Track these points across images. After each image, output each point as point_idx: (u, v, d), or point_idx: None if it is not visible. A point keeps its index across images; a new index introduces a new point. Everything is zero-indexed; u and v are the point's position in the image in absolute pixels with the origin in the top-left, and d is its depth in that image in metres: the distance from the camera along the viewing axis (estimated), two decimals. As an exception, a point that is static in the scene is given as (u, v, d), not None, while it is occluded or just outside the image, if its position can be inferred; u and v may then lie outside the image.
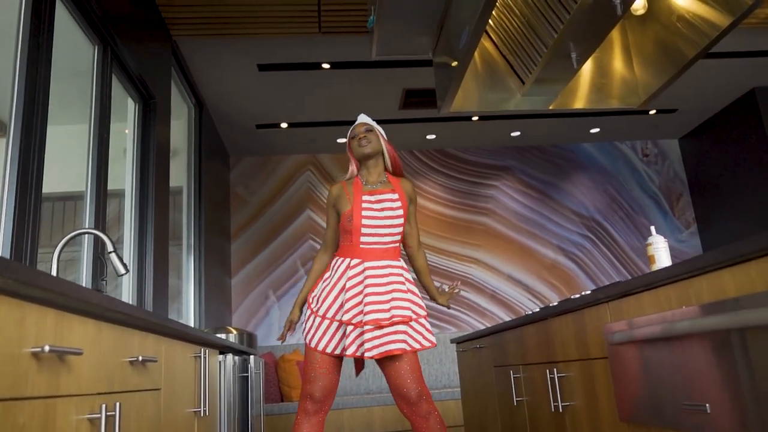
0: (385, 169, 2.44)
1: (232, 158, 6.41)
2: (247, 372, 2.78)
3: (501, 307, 6.30)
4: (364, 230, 2.23)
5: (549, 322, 2.04)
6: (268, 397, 5.04)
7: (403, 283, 2.23)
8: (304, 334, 2.31)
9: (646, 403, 1.37)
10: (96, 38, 2.93)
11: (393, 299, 2.16)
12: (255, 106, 5.31)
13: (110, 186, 3.42)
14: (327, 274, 2.34)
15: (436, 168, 6.65)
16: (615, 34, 3.30)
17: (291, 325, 2.45)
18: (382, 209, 2.26)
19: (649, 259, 1.82)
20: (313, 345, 2.28)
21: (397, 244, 2.32)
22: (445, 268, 6.33)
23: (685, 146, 6.96)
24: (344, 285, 2.24)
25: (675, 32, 3.04)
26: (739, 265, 1.07)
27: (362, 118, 2.48)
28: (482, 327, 6.20)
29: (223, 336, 3.70)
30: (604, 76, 3.26)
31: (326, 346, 2.24)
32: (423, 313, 2.25)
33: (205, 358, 2.03)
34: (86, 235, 2.75)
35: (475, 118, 5.94)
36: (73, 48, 2.92)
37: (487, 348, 2.89)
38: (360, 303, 2.17)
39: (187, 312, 4.58)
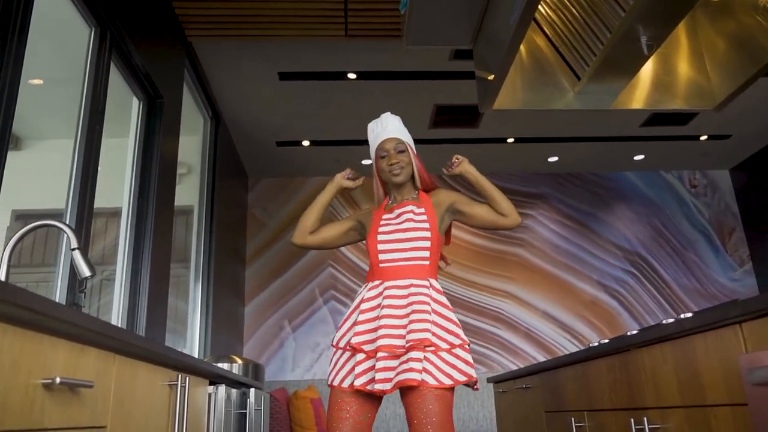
0: (415, 186, 2.10)
1: (250, 179, 6.06)
2: (246, 408, 2.32)
3: (535, 346, 5.76)
4: (381, 246, 1.94)
5: (631, 354, 1.55)
6: (276, 439, 4.53)
7: (425, 303, 1.82)
8: (328, 374, 1.92)
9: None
10: (93, 20, 2.60)
11: (411, 321, 1.78)
12: (275, 120, 4.97)
13: (113, 204, 3.06)
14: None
15: (467, 194, 6.19)
16: (681, 30, 2.89)
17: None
18: (403, 221, 1.96)
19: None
20: (329, 382, 1.89)
21: (426, 262, 1.92)
22: (474, 302, 5.83)
23: (736, 177, 6.42)
24: (358, 305, 1.91)
25: (753, 27, 2.62)
26: None
27: (392, 129, 2.11)
28: (514, 368, 5.63)
29: (225, 366, 3.25)
30: (669, 73, 2.82)
31: (342, 379, 1.83)
32: (457, 342, 1.80)
33: (184, 387, 1.58)
34: (63, 246, 2.35)
35: (510, 140, 5.53)
36: (69, 42, 2.60)
37: (535, 388, 2.39)
38: (373, 328, 1.82)
39: (192, 340, 4.15)
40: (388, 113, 2.18)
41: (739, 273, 6.19)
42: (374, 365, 1.75)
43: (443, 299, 1.88)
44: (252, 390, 2.44)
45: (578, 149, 5.81)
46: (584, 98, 2.72)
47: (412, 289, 1.85)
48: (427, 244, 1.93)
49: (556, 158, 6.01)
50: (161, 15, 3.38)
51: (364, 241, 2.06)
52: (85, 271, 1.61)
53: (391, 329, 1.78)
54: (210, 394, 1.99)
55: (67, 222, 2.39)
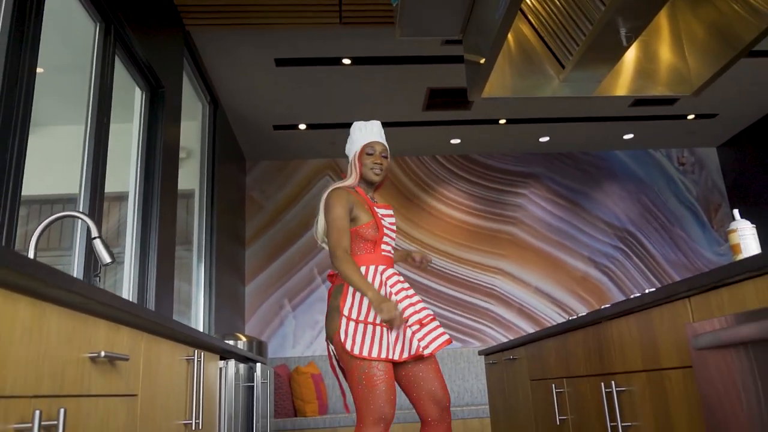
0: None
1: (248, 162, 6.18)
2: (253, 381, 2.49)
3: (527, 320, 5.95)
4: (385, 239, 2.26)
5: (604, 326, 1.72)
6: (280, 412, 4.74)
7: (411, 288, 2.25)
8: (350, 347, 2.01)
9: (749, 422, 1.06)
10: (98, 15, 2.71)
11: (417, 301, 2.18)
12: (272, 105, 5.08)
13: (114, 188, 3.19)
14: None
15: (460, 174, 6.35)
16: (662, 18, 3.01)
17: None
18: (392, 223, 2.34)
19: (733, 249, 1.51)
20: (366, 354, 2.00)
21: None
22: (468, 278, 6.01)
23: (723, 155, 6.58)
24: (393, 286, 2.18)
25: (730, 15, 2.74)
26: None
27: (380, 135, 2.41)
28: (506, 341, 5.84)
29: (231, 343, 3.42)
30: (651, 61, 2.95)
31: (380, 352, 2.02)
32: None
33: (200, 361, 1.75)
34: (78, 230, 2.51)
35: (502, 122, 5.65)
36: (81, 36, 2.70)
37: (522, 359, 2.57)
38: (413, 302, 2.16)
39: (197, 319, 4.32)
40: (378, 122, 2.46)
41: (724, 248, 6.37)
42: (402, 337, 2.05)
43: None
44: (258, 365, 2.61)
45: (569, 129, 5.95)
46: (569, 85, 2.85)
47: (400, 275, 2.26)
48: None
49: (547, 138, 6.14)
50: (160, 6, 3.48)
51: (363, 223, 2.22)
52: (106, 257, 1.77)
53: (412, 306, 2.13)
54: (221, 368, 2.16)
55: (81, 207, 2.54)
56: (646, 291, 1.45)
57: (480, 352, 3.28)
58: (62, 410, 0.88)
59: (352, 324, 2.04)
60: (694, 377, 1.25)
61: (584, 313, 1.82)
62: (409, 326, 2.06)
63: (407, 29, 2.80)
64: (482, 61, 2.71)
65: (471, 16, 2.80)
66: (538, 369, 2.35)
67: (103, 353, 1.06)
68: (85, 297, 0.99)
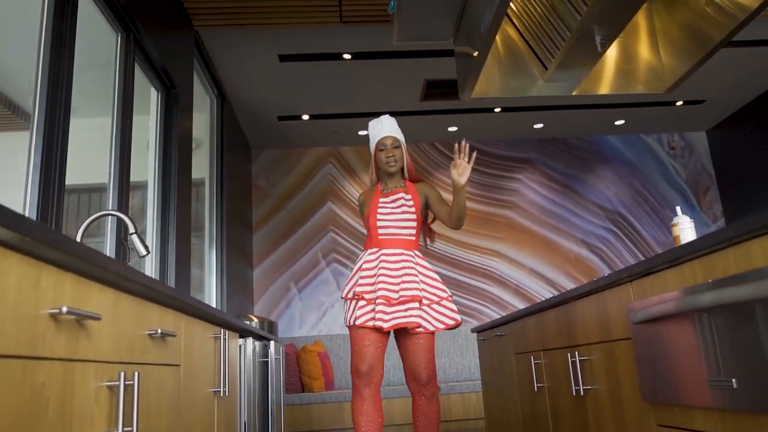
0: (403, 176, 2.68)
1: (254, 150, 6.45)
2: (268, 357, 2.79)
3: (524, 300, 6.25)
4: (380, 223, 2.51)
5: (570, 305, 2.00)
6: (288, 388, 5.07)
7: (413, 268, 2.45)
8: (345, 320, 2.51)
9: (670, 382, 1.34)
10: (119, 26, 2.96)
11: (403, 282, 2.39)
12: (277, 97, 5.33)
13: (133, 178, 3.47)
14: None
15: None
16: (640, 19, 3.24)
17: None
18: (399, 206, 2.54)
19: (675, 240, 1.78)
20: (347, 323, 2.47)
21: (412, 237, 2.55)
22: (466, 260, 6.30)
23: (712, 138, 6.81)
24: (360, 266, 2.50)
25: (702, 15, 2.97)
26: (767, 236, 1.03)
27: (389, 128, 2.62)
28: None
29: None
30: (629, 61, 3.19)
31: (355, 320, 2.40)
32: (444, 295, 2.46)
33: (225, 339, 2.04)
34: (109, 222, 2.79)
35: (497, 110, 5.89)
36: (96, 38, 2.96)
37: (507, 335, 2.86)
38: (372, 282, 2.42)
39: (210, 302, 4.62)
40: (387, 116, 2.70)
41: (712, 229, 6.65)
42: (374, 308, 2.36)
43: (427, 264, 2.55)
44: (272, 342, 2.91)
45: (562, 116, 6.18)
46: (552, 85, 3.10)
47: (403, 257, 2.47)
48: (414, 224, 2.55)
49: (541, 125, 6.38)
50: (172, 10, 3.72)
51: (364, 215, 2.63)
52: (142, 250, 2.05)
53: (387, 284, 2.38)
54: (240, 345, 2.45)
55: (110, 197, 2.83)
56: (603, 275, 1.73)
57: (472, 330, 3.57)
58: (136, 373, 1.17)
59: (347, 302, 2.50)
60: (632, 346, 1.53)
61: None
62: (369, 302, 2.37)
63: (402, 35, 3.04)
64: (472, 62, 2.95)
65: (461, 23, 3.04)
66: (521, 343, 2.64)
67: (159, 330, 1.34)
68: (146, 286, 1.27)
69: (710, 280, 1.17)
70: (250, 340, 2.49)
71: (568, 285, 6.33)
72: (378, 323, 2.32)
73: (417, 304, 2.36)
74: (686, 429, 1.31)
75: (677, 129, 6.78)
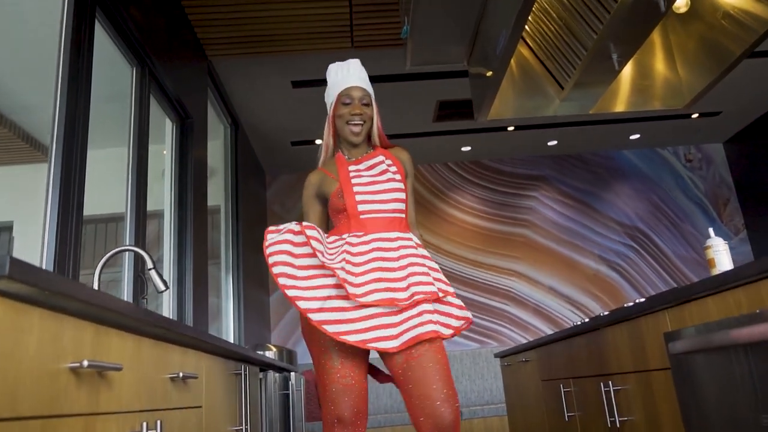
0: (370, 145, 1.97)
1: (268, 176, 6.45)
2: (288, 389, 2.73)
3: (543, 320, 6.14)
4: (359, 197, 1.78)
5: (601, 332, 1.94)
6: (309, 416, 4.99)
7: (418, 256, 1.76)
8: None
9: (718, 418, 1.27)
10: (134, 59, 2.98)
11: (410, 274, 1.69)
12: (290, 123, 5.34)
13: (150, 207, 3.47)
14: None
15: (472, 180, 6.56)
16: (656, 35, 3.20)
17: None
18: (381, 173, 1.84)
19: (709, 263, 1.71)
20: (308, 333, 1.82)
21: (404, 215, 1.85)
22: (483, 281, 6.22)
23: (730, 150, 6.72)
24: (345, 252, 1.72)
25: (719, 30, 2.93)
26: (819, 264, 0.98)
27: (358, 77, 1.94)
28: (524, 341, 6.04)
29: (263, 353, 3.67)
30: (645, 78, 3.15)
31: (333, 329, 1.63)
32: (450, 290, 1.77)
33: (246, 375, 2.00)
34: (127, 255, 2.77)
35: (510, 128, 5.85)
36: (112, 70, 2.97)
37: (533, 362, 2.79)
38: (368, 281, 1.66)
39: (227, 330, 4.58)
40: (356, 60, 2.00)
41: (734, 241, 6.51)
42: (368, 318, 1.61)
43: (426, 252, 1.82)
44: (292, 374, 2.86)
45: (576, 132, 6.13)
46: (569, 105, 3.06)
47: (401, 243, 1.76)
48: (403, 195, 1.86)
49: (555, 142, 6.33)
50: (185, 41, 3.74)
51: (330, 194, 1.89)
52: (161, 286, 2.02)
53: (390, 282, 1.66)
54: (260, 379, 2.40)
55: (127, 227, 2.81)
56: (636, 301, 1.67)
57: (495, 355, 3.49)
58: (159, 421, 1.12)
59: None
60: (671, 377, 1.46)
61: (599, 312, 2.04)
62: (367, 305, 1.65)
63: (416, 60, 3.02)
64: (487, 85, 2.92)
65: (475, 45, 3.02)
66: (548, 370, 2.57)
67: (181, 374, 1.30)
68: (166, 329, 1.24)
69: (758, 311, 1.11)
70: (270, 373, 2.45)
71: (589, 303, 6.22)
72: (383, 344, 1.57)
73: (430, 306, 1.66)
74: (735, 466, 1.24)
75: (693, 141, 6.70)
